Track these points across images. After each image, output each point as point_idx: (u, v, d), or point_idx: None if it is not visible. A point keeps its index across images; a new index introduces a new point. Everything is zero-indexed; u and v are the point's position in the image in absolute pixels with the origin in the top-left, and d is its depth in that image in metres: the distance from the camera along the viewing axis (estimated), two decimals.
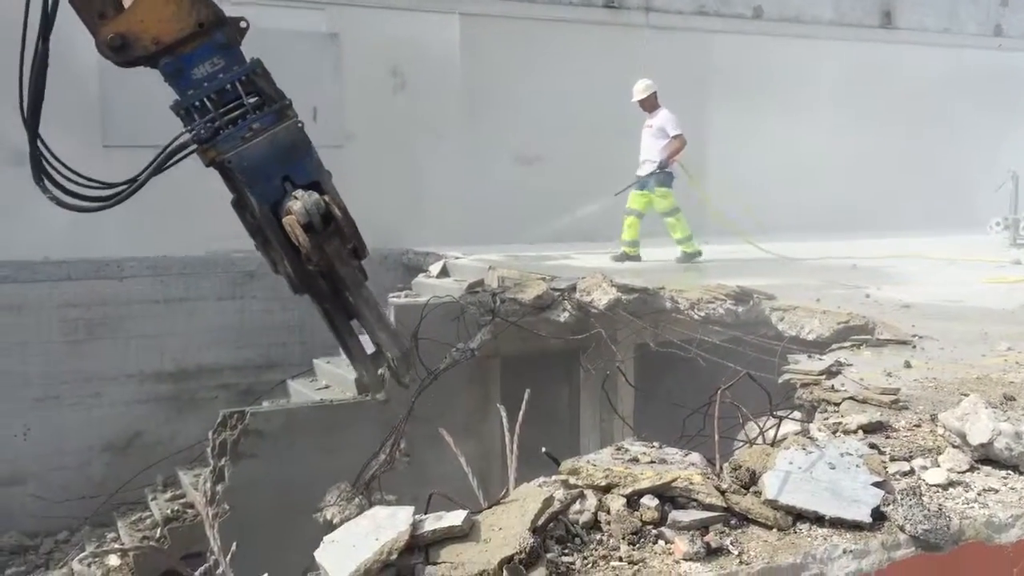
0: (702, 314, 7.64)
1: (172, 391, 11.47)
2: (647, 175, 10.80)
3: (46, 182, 5.71)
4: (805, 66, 16.46)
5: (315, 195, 5.40)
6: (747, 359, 6.44)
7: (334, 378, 9.51)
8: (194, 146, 5.64)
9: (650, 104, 10.90)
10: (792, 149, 16.05)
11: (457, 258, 10.99)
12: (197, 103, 5.57)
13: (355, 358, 6.26)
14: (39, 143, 5.69)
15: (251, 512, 7.67)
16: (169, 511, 8.91)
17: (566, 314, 8.50)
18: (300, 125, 5.72)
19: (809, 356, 5.59)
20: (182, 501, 9.14)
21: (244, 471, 7.97)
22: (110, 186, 5.79)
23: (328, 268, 5.63)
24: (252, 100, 5.61)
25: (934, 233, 14.96)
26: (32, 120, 5.61)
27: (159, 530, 8.76)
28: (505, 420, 3.71)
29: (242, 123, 5.56)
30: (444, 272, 10.93)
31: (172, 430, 11.15)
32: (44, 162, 5.74)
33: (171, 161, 5.71)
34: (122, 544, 9.00)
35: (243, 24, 5.63)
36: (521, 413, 3.59)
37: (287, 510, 7.69)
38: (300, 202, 5.36)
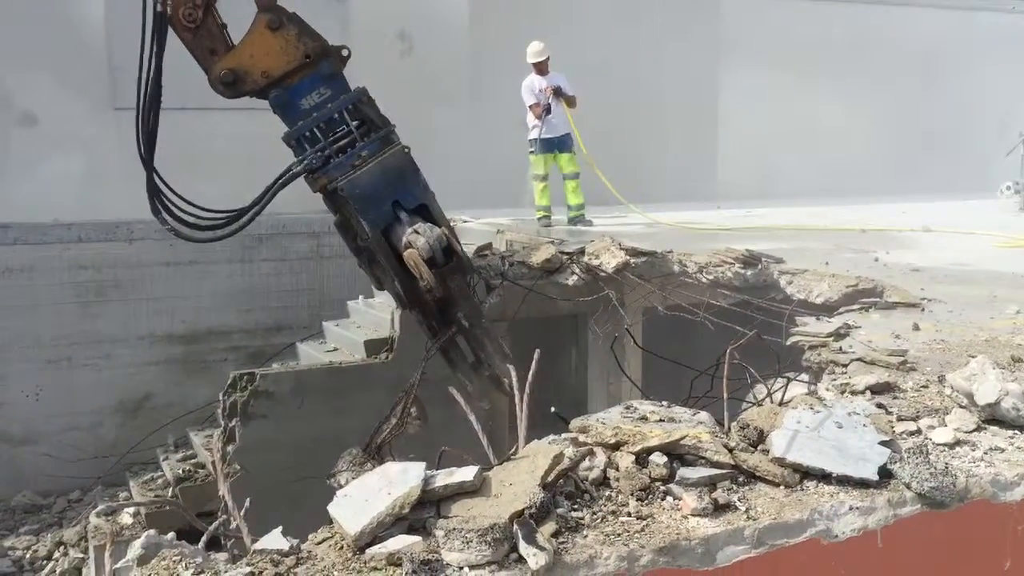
0: (710, 278, 7.65)
1: (182, 353, 11.54)
2: (564, 135, 10.68)
3: (164, 214, 5.87)
4: (815, 28, 16.31)
5: (437, 229, 5.52)
6: (755, 323, 6.45)
7: (343, 340, 9.56)
8: (304, 173, 5.77)
9: (546, 66, 10.67)
10: (800, 113, 15.98)
11: (465, 221, 10.97)
12: (307, 133, 5.67)
13: (458, 368, 6.35)
14: (156, 176, 5.82)
15: (261, 472, 7.74)
16: (180, 471, 9.00)
17: (574, 277, 8.49)
18: (407, 151, 5.84)
19: (817, 319, 5.61)
20: (193, 461, 9.22)
21: (254, 432, 8.04)
22: (223, 213, 5.99)
23: (447, 299, 5.74)
24: (357, 126, 5.72)
25: (945, 198, 14.87)
26: (148, 155, 5.73)
27: (170, 490, 8.85)
28: (515, 379, 3.74)
29: (351, 151, 5.72)
30: None
31: (182, 392, 11.22)
32: (162, 196, 5.91)
33: (283, 188, 5.87)
34: (134, 501, 9.11)
35: (345, 52, 5.77)
36: (531, 373, 3.61)
37: (296, 470, 7.76)
38: (423, 238, 5.43)
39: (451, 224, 6.11)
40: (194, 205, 6.03)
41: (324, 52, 5.70)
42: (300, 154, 5.76)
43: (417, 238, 5.47)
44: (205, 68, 5.58)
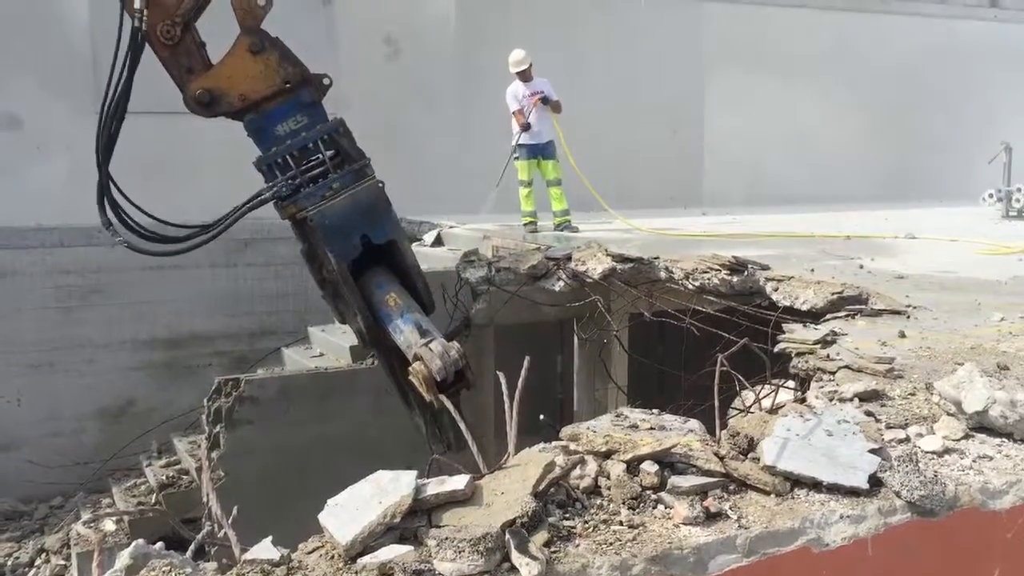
0: (697, 284, 7.65)
1: (166, 358, 11.49)
2: (548, 142, 10.71)
3: (114, 226, 5.74)
4: (801, 36, 16.40)
5: (453, 351, 5.35)
6: (740, 329, 6.46)
7: (328, 346, 9.52)
8: (273, 200, 5.69)
9: (529, 73, 10.68)
10: (785, 120, 16.06)
11: (451, 227, 10.96)
12: (279, 160, 5.60)
13: (413, 409, 6.30)
14: (111, 184, 5.70)
15: (246, 478, 7.71)
16: (164, 477, 8.95)
17: (561, 283, 8.49)
18: (381, 185, 5.77)
19: (804, 326, 5.61)
20: (177, 467, 9.18)
21: (239, 438, 8.00)
22: (184, 227, 5.90)
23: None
24: (331, 157, 5.64)
25: (928, 205, 14.98)
26: (104, 161, 5.62)
27: (154, 496, 8.80)
28: (504, 387, 3.72)
29: (323, 181, 5.62)
30: (438, 241, 10.93)
31: (166, 397, 11.16)
32: (114, 204, 5.78)
33: (250, 211, 5.79)
34: (117, 510, 9.05)
35: (326, 81, 5.69)
36: (521, 380, 3.60)
37: (282, 476, 7.74)
38: (440, 361, 5.24)
39: (418, 264, 6.02)
40: (153, 218, 5.91)
41: (304, 79, 5.62)
42: (270, 180, 5.67)
43: (433, 359, 5.24)
44: (180, 86, 5.49)
